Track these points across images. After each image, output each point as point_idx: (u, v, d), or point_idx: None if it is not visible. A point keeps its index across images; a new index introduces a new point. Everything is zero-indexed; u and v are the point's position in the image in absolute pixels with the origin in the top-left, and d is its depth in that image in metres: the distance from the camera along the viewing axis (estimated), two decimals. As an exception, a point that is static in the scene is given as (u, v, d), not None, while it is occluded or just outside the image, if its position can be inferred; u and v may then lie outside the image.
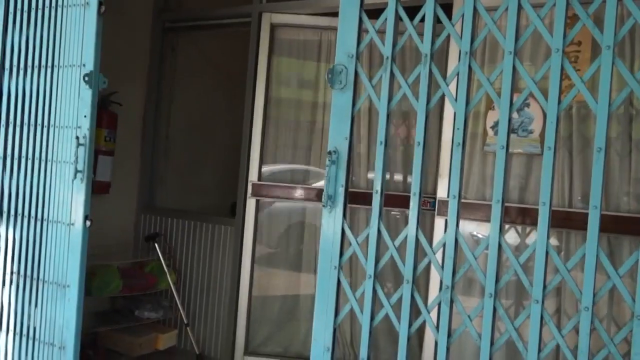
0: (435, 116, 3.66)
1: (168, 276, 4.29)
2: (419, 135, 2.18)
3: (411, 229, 2.19)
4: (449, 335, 2.13)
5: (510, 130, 2.08)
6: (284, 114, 4.34)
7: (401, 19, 2.24)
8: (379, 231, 2.25)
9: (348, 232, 2.32)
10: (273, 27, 4.22)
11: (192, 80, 4.97)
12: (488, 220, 3.38)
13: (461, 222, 3.46)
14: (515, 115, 3.31)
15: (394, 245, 2.22)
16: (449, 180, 3.42)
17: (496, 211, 2.05)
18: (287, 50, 4.30)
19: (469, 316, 2.10)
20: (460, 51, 2.11)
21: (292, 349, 4.27)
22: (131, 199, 4.74)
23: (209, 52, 5.02)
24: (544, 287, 1.96)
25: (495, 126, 3.37)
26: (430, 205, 4.00)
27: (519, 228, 3.51)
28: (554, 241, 3.39)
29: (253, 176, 4.19)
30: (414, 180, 2.19)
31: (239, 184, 4.26)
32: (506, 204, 3.34)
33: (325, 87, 4.37)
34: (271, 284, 4.32)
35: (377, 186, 2.25)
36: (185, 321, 4.30)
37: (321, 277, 2.35)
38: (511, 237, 3.56)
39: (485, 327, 2.05)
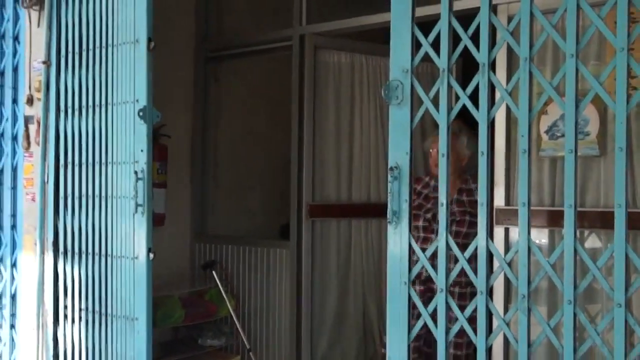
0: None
1: (227, 303, 4.32)
2: (482, 145, 2.17)
3: (481, 239, 2.18)
4: (529, 345, 2.10)
5: (576, 133, 2.05)
6: (330, 135, 4.37)
7: (455, 30, 2.24)
8: (447, 244, 2.24)
9: (415, 246, 2.32)
10: (316, 48, 4.27)
11: (236, 106, 5.03)
12: (546, 226, 3.35)
13: (515, 229, 3.44)
14: (569, 117, 3.26)
15: (464, 257, 2.20)
16: (506, 188, 3.44)
17: (569, 216, 2.03)
18: (330, 72, 4.35)
19: (548, 324, 2.06)
20: (513, 57, 2.11)
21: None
22: (185, 228, 4.80)
23: (252, 77, 5.08)
24: (626, 290, 1.93)
25: (549, 130, 3.32)
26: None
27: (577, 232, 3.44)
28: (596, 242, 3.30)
29: (307, 197, 4.21)
30: (481, 190, 2.17)
31: (290, 206, 4.28)
32: (559, 208, 3.31)
33: (368, 108, 4.44)
34: (333, 304, 4.31)
35: (443, 199, 2.24)
36: (248, 346, 4.32)
37: (391, 293, 2.35)
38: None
39: (567, 334, 2.01)
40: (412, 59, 2.31)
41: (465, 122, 3.19)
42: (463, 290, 3.38)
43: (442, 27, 2.25)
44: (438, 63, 2.25)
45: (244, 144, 5.13)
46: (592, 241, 3.38)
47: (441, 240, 2.23)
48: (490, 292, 2.45)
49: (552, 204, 3.37)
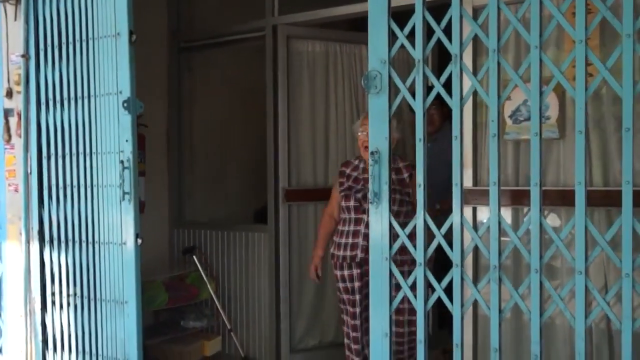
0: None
1: (208, 286, 4.46)
2: (455, 129, 2.36)
3: (456, 217, 2.37)
4: (500, 311, 2.31)
5: (540, 117, 2.25)
6: (305, 121, 4.52)
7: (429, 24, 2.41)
8: (425, 222, 2.42)
9: (395, 225, 2.50)
10: (289, 38, 4.40)
11: (210, 95, 5.13)
12: (510, 205, 3.56)
13: (484, 208, 3.65)
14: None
15: (441, 233, 2.40)
16: (474, 170, 3.64)
17: (535, 193, 2.22)
18: (301, 60, 4.48)
19: (517, 291, 2.28)
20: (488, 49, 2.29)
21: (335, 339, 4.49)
22: (163, 215, 4.91)
23: (225, 67, 5.18)
24: (586, 259, 2.14)
25: (512, 115, 3.54)
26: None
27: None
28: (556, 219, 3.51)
29: (283, 182, 4.36)
30: (455, 172, 2.37)
31: (267, 191, 4.43)
32: (522, 188, 3.53)
33: (343, 95, 4.58)
34: (311, 286, 4.47)
35: (420, 180, 2.43)
36: (229, 326, 4.48)
37: (373, 269, 2.53)
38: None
39: (534, 299, 2.22)
40: (389, 51, 2.47)
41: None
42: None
43: (416, 20, 2.42)
44: (413, 54, 2.43)
45: (218, 132, 5.24)
46: (552, 218, 3.61)
47: (419, 217, 2.42)
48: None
49: (515, 184, 3.59)
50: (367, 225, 3.30)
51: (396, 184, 3.45)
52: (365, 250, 3.29)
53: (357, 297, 3.52)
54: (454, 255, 2.36)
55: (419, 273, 2.43)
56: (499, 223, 2.29)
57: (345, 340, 3.66)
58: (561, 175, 3.44)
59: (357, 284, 3.51)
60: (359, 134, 3.56)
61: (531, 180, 2.23)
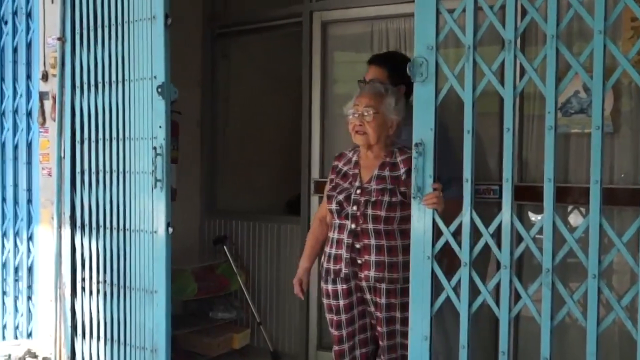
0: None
1: (238, 277, 4.37)
2: (507, 121, 2.20)
3: (505, 215, 2.21)
4: (552, 318, 2.16)
5: (603, 110, 2.08)
6: (341, 110, 4.37)
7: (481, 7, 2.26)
8: (471, 219, 2.28)
9: (439, 222, 2.35)
10: (325, 25, 4.25)
11: (245, 84, 5.03)
12: (563, 203, 3.37)
13: (528, 205, 3.47)
14: (583, 95, 3.30)
15: (489, 233, 2.25)
16: (519, 165, 3.47)
17: (595, 191, 2.06)
18: (341, 45, 4.32)
19: (571, 297, 2.12)
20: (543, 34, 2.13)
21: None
22: (195, 203, 4.84)
23: (261, 54, 5.07)
24: (651, 264, 1.98)
25: (562, 107, 3.36)
26: (493, 194, 3.64)
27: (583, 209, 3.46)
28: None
29: (315, 173, 4.24)
30: (506, 166, 2.21)
31: (301, 183, 4.31)
32: (570, 185, 3.35)
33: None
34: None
35: (467, 174, 2.28)
36: (258, 320, 4.38)
37: (415, 267, 2.39)
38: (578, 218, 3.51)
39: (591, 308, 2.06)
40: (437, 36, 2.33)
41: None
42: (392, 287, 2.72)
43: (467, 4, 2.27)
44: (463, 40, 2.28)
45: (252, 121, 5.14)
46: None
47: (466, 215, 2.27)
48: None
49: (564, 180, 3.42)
50: (350, 234, 2.78)
51: (389, 182, 2.75)
52: (350, 263, 2.77)
53: (343, 317, 2.84)
54: (503, 257, 2.21)
55: (463, 274, 2.28)
56: (554, 223, 2.13)
57: None
58: (615, 172, 3.26)
59: (342, 302, 2.83)
60: (350, 116, 2.82)
61: (591, 177, 2.06)
